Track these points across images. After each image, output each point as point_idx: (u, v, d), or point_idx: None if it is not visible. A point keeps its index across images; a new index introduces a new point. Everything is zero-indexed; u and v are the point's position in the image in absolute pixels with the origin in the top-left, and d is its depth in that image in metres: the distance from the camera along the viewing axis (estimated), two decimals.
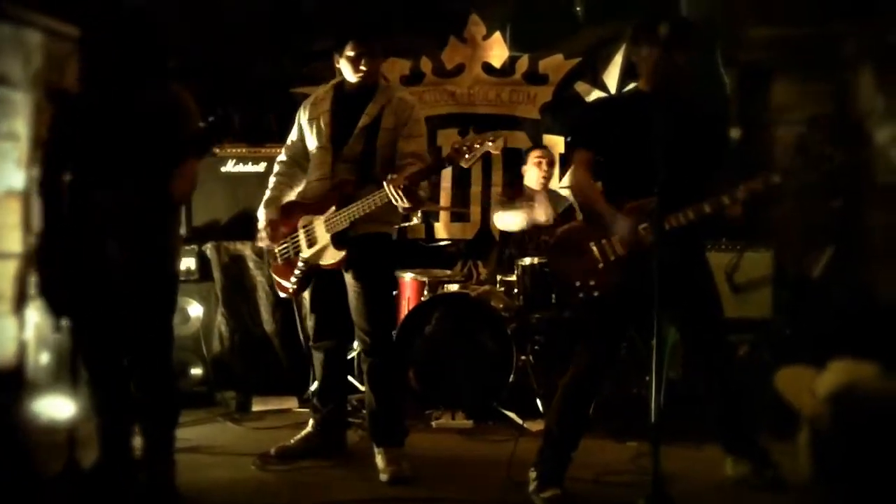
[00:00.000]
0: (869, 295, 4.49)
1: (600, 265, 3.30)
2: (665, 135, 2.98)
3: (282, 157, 3.93)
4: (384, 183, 3.37)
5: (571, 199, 5.69)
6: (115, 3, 3.35)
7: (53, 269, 3.18)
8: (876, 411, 1.88)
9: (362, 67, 3.60)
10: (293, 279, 3.72)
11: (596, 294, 3.30)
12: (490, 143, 3.41)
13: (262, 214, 3.82)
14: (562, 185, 5.89)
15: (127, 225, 3.08)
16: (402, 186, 3.33)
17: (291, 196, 3.84)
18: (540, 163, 5.31)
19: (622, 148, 3.34)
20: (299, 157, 3.86)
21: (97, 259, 3.10)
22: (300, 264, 3.69)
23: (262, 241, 3.79)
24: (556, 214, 5.17)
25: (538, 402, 4.60)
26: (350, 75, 3.65)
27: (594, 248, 3.32)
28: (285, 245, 3.74)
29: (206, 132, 3.11)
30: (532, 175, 5.34)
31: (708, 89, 5.48)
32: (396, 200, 3.36)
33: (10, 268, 4.23)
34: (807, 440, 1.98)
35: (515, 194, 5.39)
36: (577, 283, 3.33)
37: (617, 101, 3.66)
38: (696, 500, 3.24)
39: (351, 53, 3.59)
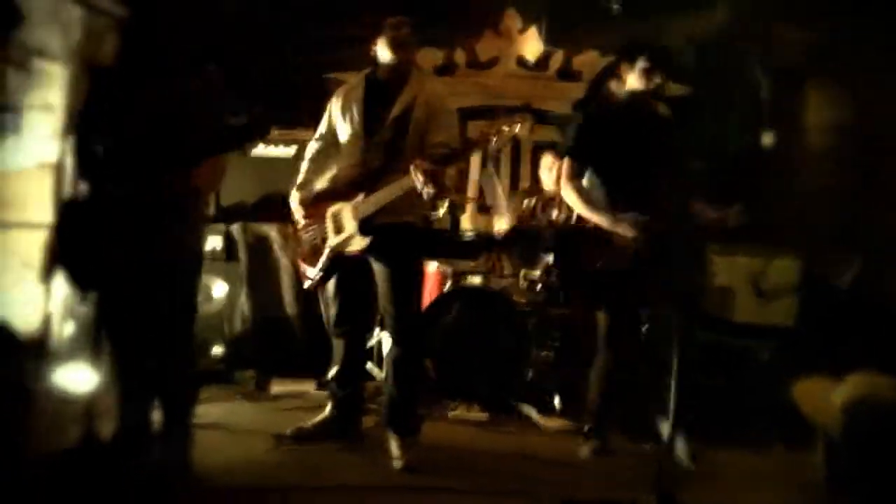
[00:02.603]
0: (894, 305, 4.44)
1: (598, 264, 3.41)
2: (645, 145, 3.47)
3: (313, 144, 3.94)
4: (411, 167, 3.38)
5: None
6: None
7: (77, 241, 3.21)
8: (889, 423, 1.86)
9: (399, 48, 3.60)
10: (318, 267, 3.73)
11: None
12: (518, 126, 3.40)
13: (294, 197, 3.83)
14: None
15: (151, 208, 3.09)
16: (426, 170, 3.33)
17: (322, 182, 3.85)
18: (552, 168, 5.29)
19: (613, 157, 3.61)
20: (330, 144, 3.87)
21: (122, 236, 3.12)
22: (326, 251, 3.69)
23: (290, 228, 3.82)
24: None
25: (555, 398, 4.59)
26: (387, 54, 3.64)
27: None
28: (312, 232, 3.75)
29: (239, 130, 3.10)
30: (545, 178, 5.33)
31: (742, 92, 5.44)
32: (421, 185, 3.36)
33: (40, 238, 4.28)
34: (822, 452, 1.96)
35: (535, 192, 5.38)
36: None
37: (607, 113, 3.80)
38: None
39: (390, 33, 3.60)
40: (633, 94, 3.73)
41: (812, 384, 2.05)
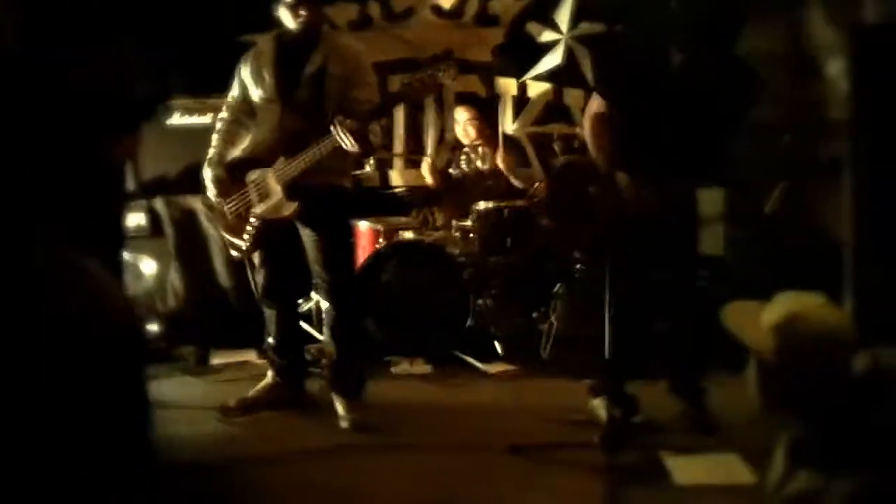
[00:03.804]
0: (819, 229, 4.55)
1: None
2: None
3: (223, 114, 3.82)
4: (332, 127, 3.31)
5: (525, 141, 5.73)
6: None
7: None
8: (819, 340, 1.91)
9: (302, 12, 3.51)
10: (246, 237, 3.64)
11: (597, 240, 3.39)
12: (441, 73, 3.35)
13: (207, 174, 3.72)
14: (515, 126, 5.88)
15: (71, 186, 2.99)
16: (351, 129, 3.28)
17: (236, 152, 3.74)
18: (458, 121, 5.32)
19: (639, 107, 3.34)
20: (242, 113, 3.76)
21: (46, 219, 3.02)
22: (252, 220, 3.61)
23: (210, 201, 3.72)
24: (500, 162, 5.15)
25: (497, 345, 4.63)
26: (290, 23, 3.56)
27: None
28: (234, 201, 3.65)
29: (145, 100, 3.01)
30: (458, 132, 5.34)
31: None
32: (346, 144, 3.31)
33: None
34: (754, 373, 2.00)
35: (459, 144, 5.38)
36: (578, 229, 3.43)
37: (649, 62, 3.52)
38: (649, 436, 3.32)
39: (289, 1, 3.50)
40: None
41: (740, 307, 2.08)
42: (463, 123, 5.27)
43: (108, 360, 1.65)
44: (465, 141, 5.30)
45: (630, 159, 3.31)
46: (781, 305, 1.98)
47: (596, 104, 3.53)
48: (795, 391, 1.94)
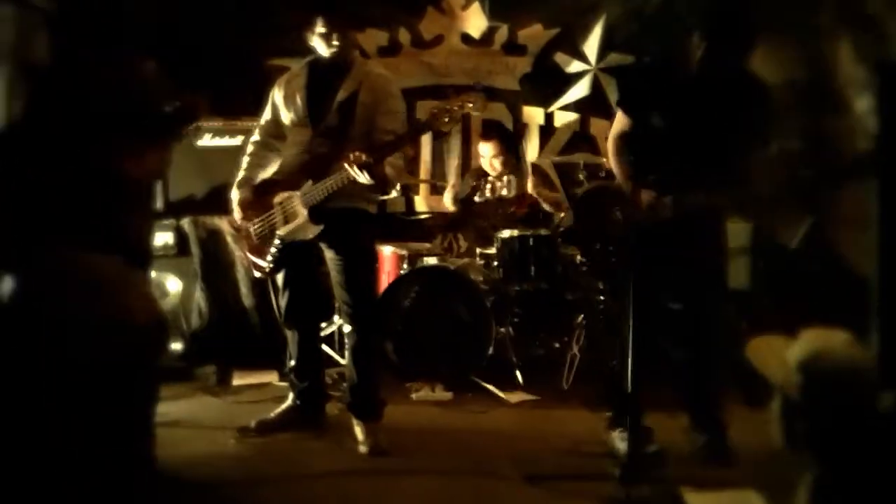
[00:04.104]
0: (843, 264, 4.52)
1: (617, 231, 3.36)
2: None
3: (255, 136, 3.88)
4: (345, 163, 3.34)
5: (549, 170, 5.74)
6: None
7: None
8: (845, 378, 1.89)
9: (334, 43, 3.56)
10: (269, 258, 3.68)
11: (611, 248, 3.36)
12: (470, 105, 3.37)
13: (234, 196, 3.77)
14: (541, 156, 5.90)
15: (99, 201, 3.03)
16: (361, 164, 3.30)
17: (265, 175, 3.80)
18: (484, 156, 5.29)
19: (659, 123, 3.36)
20: (272, 136, 3.82)
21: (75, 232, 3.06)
22: (276, 242, 3.65)
23: (236, 223, 3.76)
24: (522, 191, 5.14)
25: (517, 374, 4.62)
26: (323, 51, 3.61)
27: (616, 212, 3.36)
28: (261, 223, 3.70)
29: (172, 117, 3.04)
30: (483, 164, 5.32)
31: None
32: (359, 178, 3.34)
33: None
34: (778, 409, 1.98)
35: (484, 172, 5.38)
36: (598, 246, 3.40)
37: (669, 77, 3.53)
38: (668, 469, 3.28)
39: (321, 30, 3.55)
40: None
41: (765, 342, 2.06)
42: (489, 159, 5.27)
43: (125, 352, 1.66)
44: (490, 173, 5.31)
45: (652, 174, 3.30)
46: (807, 342, 1.96)
47: (618, 125, 3.54)
48: (819, 430, 1.92)
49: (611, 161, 3.56)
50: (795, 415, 1.93)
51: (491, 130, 5.53)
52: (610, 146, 3.56)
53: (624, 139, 3.48)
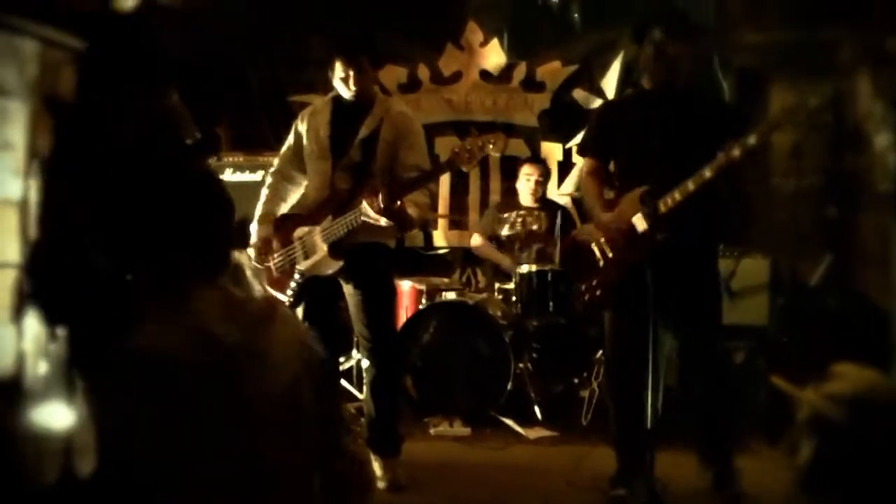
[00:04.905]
0: (864, 301, 4.49)
1: (601, 263, 3.33)
2: (663, 127, 3.20)
3: (274, 168, 3.91)
4: (363, 205, 3.38)
5: (569, 206, 5.73)
6: (113, 13, 3.33)
7: (49, 276, 3.17)
8: (889, 416, 1.85)
9: (353, 87, 3.60)
10: (289, 292, 3.70)
11: (598, 293, 3.34)
12: (491, 146, 3.41)
13: (254, 231, 3.81)
14: (560, 192, 5.91)
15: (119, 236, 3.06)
16: (379, 209, 3.33)
17: (285, 208, 3.84)
18: (529, 178, 5.28)
19: (629, 149, 3.41)
20: (293, 167, 3.85)
21: (90, 269, 3.09)
22: (296, 276, 3.67)
23: (255, 259, 3.79)
24: (549, 224, 5.12)
25: (536, 409, 4.60)
26: (344, 93, 3.65)
27: (595, 249, 3.35)
28: (281, 257, 3.73)
29: (192, 150, 3.08)
30: (523, 189, 5.32)
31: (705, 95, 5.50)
32: (377, 222, 3.38)
33: (8, 277, 4.23)
34: (810, 445, 1.94)
35: (512, 205, 5.37)
36: (584, 286, 3.38)
37: (618, 105, 3.69)
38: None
39: (340, 74, 3.60)
40: (653, 70, 3.38)
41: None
42: (533, 182, 5.26)
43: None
44: (526, 201, 5.30)
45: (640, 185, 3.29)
46: (848, 379, 1.93)
47: (587, 165, 3.60)
48: (858, 465, 1.88)
49: (588, 203, 3.61)
50: (833, 451, 1.89)
51: (538, 156, 5.69)
52: (585, 191, 3.62)
53: (597, 175, 3.54)
